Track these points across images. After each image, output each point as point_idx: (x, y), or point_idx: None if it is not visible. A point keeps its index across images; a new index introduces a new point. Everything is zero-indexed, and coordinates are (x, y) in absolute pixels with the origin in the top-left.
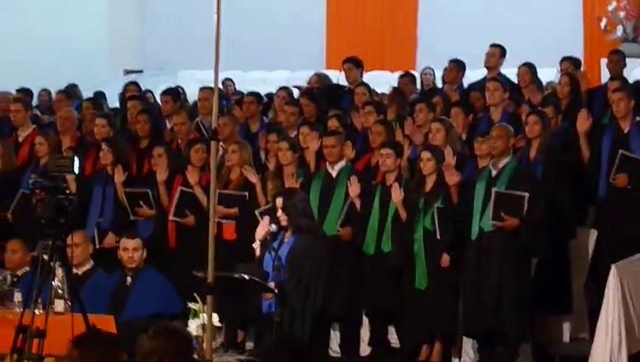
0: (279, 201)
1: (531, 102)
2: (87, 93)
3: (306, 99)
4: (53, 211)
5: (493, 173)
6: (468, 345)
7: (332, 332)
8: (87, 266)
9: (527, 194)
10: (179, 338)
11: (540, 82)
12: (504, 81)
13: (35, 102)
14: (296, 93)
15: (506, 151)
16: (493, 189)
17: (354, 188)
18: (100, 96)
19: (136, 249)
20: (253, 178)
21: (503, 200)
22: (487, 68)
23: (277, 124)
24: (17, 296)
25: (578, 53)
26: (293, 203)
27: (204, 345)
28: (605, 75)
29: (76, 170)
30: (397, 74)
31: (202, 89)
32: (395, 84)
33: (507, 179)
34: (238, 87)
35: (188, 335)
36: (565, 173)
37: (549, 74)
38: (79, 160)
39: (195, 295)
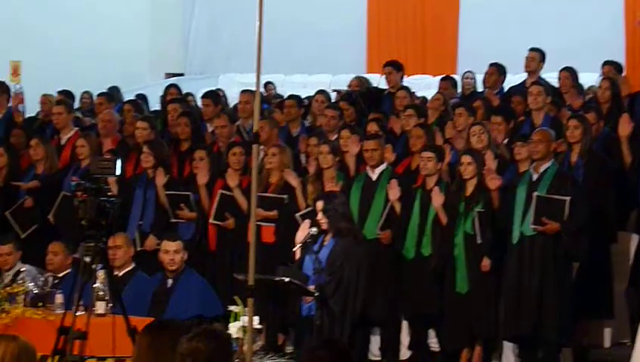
0: (320, 204)
1: (572, 107)
2: (128, 95)
3: (346, 103)
4: (94, 213)
5: (535, 177)
6: (508, 349)
7: (372, 336)
8: (129, 268)
9: (568, 199)
10: (217, 341)
11: (581, 86)
12: (546, 85)
13: (76, 105)
14: (333, 96)
15: (548, 156)
16: (534, 193)
17: (394, 191)
18: (141, 99)
19: (177, 251)
20: (294, 181)
21: (544, 205)
22: (528, 72)
23: (317, 127)
24: (59, 298)
25: (620, 57)
26: (333, 206)
27: (245, 347)
28: None
29: (118, 172)
30: (438, 78)
31: (243, 92)
32: (436, 88)
33: (548, 183)
34: (278, 91)
35: (227, 338)
36: (607, 177)
37: (589, 78)
38: (120, 162)
39: (236, 298)
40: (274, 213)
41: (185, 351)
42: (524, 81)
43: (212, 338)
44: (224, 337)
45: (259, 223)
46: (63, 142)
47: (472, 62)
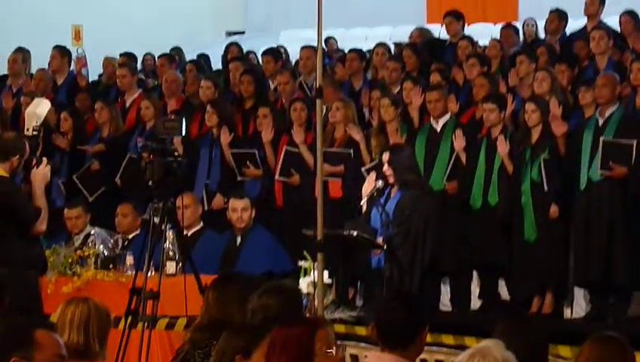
0: (386, 157)
1: (635, 50)
2: (190, 56)
3: (409, 51)
4: (162, 173)
5: (600, 121)
6: (579, 296)
7: (442, 286)
8: (197, 227)
9: (635, 142)
10: (287, 296)
11: None
12: (607, 29)
13: (139, 66)
14: (393, 49)
15: (613, 100)
16: (601, 138)
17: (459, 141)
18: (203, 59)
19: (245, 209)
20: (357, 135)
21: (610, 149)
22: (587, 16)
23: (379, 80)
24: (129, 260)
25: None
26: (399, 158)
27: (315, 302)
28: None
29: (183, 131)
30: (499, 26)
31: (304, 48)
32: (497, 36)
33: (614, 127)
34: (340, 45)
35: (297, 293)
36: None
37: None
38: (185, 122)
39: (305, 253)
40: (340, 167)
41: (255, 307)
42: (585, 26)
43: (282, 293)
44: (294, 292)
45: (326, 178)
46: (127, 104)
47: (532, 9)
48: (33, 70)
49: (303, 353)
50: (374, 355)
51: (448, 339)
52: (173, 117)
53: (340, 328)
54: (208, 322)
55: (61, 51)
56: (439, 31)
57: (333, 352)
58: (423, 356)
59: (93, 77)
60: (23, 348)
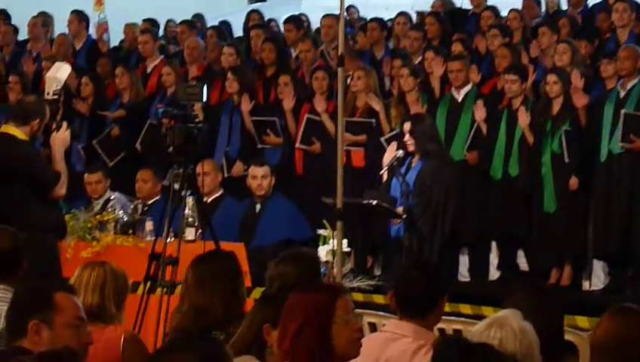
0: (407, 126)
1: None
2: (211, 23)
3: (432, 19)
4: (182, 139)
5: (622, 94)
6: (598, 268)
7: (461, 256)
8: (217, 194)
9: None
10: (304, 263)
11: None
12: (631, 1)
13: (160, 33)
14: (414, 17)
15: (635, 73)
16: (622, 111)
17: (480, 112)
18: (224, 26)
19: (264, 176)
20: (377, 105)
21: (632, 122)
22: None
23: (400, 49)
24: (149, 225)
25: None
26: (421, 128)
27: (334, 270)
28: None
29: (204, 98)
30: None
31: (325, 16)
32: (520, 7)
33: (636, 100)
34: (361, 14)
35: (315, 260)
36: None
37: None
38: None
39: (325, 221)
40: (362, 137)
41: (273, 275)
42: None
43: (299, 261)
44: (312, 259)
45: (347, 148)
46: (148, 70)
47: None
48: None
49: (323, 320)
50: (393, 323)
51: (466, 309)
52: (194, 83)
53: (358, 296)
54: (188, 308)
55: (79, 16)
56: (461, 1)
57: (353, 321)
58: (440, 325)
59: (114, 43)
60: (42, 311)
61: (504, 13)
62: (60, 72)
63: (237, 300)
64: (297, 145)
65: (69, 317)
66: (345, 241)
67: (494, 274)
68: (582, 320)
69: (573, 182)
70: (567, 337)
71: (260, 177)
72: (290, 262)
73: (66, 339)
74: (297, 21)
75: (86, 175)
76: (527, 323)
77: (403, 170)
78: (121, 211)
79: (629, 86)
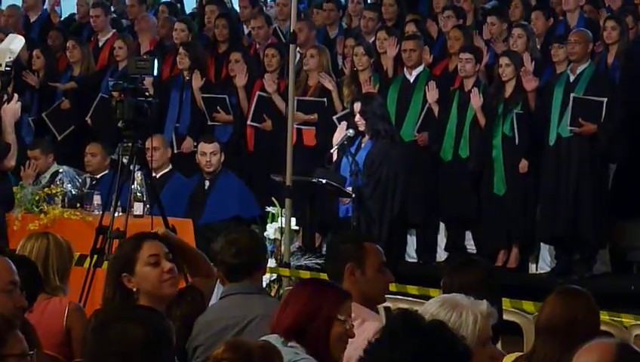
0: (357, 106)
1: (610, 8)
2: None
3: (391, 0)
4: (132, 113)
5: (572, 78)
6: (545, 251)
7: (409, 237)
8: (166, 170)
9: (605, 100)
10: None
11: None
12: None
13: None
14: None
15: (585, 57)
16: (572, 95)
17: (432, 93)
18: (176, 1)
19: (214, 153)
20: (329, 84)
21: (581, 106)
22: None
23: (354, 29)
24: (97, 199)
25: None
26: (371, 108)
27: (282, 248)
28: None
29: (155, 72)
30: None
31: None
32: None
33: (585, 84)
34: None
35: (258, 235)
36: None
37: None
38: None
39: (274, 199)
40: (314, 116)
41: (224, 244)
42: None
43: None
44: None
45: (299, 126)
46: (100, 44)
47: None
48: (4, 6)
49: (324, 317)
50: None
51: (413, 290)
52: (145, 57)
53: (305, 274)
54: None
55: None
56: None
57: (352, 325)
58: (386, 304)
59: (66, 15)
60: None
61: None
62: (13, 44)
63: None
64: (248, 122)
65: (2, 283)
66: (293, 219)
67: (442, 255)
68: (528, 305)
69: (523, 165)
70: (511, 318)
71: (209, 153)
72: (239, 230)
73: None
74: None
75: (28, 150)
76: (478, 301)
77: (353, 149)
78: (70, 184)
79: (578, 70)
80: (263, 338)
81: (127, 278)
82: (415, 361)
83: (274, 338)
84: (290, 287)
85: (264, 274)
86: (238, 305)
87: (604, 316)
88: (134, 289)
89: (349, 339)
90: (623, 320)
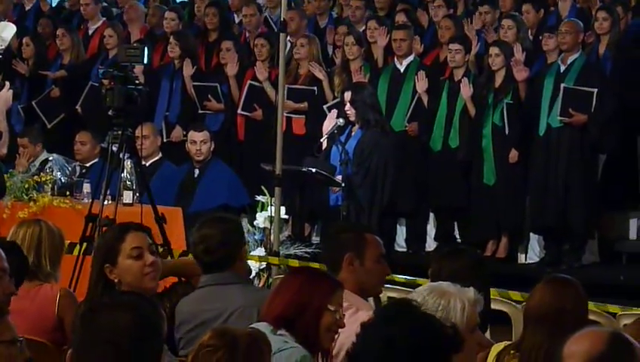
0: (347, 95)
1: None
2: None
3: None
4: (122, 101)
5: (562, 68)
6: (534, 241)
7: (398, 227)
8: (156, 158)
9: (595, 90)
10: (228, 226)
11: None
12: None
13: None
14: None
15: (576, 47)
16: (562, 85)
17: (421, 83)
18: None
19: (204, 141)
20: (320, 74)
21: (571, 96)
22: None
23: (344, 18)
24: (86, 187)
25: None
26: (361, 97)
27: (272, 237)
28: None
29: (146, 60)
30: None
31: None
32: None
33: (576, 74)
34: None
35: (238, 224)
36: (635, 69)
37: None
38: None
39: (263, 188)
40: (304, 104)
41: (196, 239)
42: None
43: (221, 223)
44: (234, 222)
45: (289, 115)
46: (90, 32)
47: None
48: None
49: (315, 307)
50: None
51: (401, 280)
52: (136, 45)
53: (294, 263)
54: None
55: None
56: None
57: (342, 315)
58: None
59: (57, 3)
60: None
61: None
62: (4, 32)
63: None
64: (239, 111)
65: None
66: (283, 208)
67: (431, 244)
68: (515, 295)
69: (513, 155)
70: (500, 307)
71: (199, 142)
72: (212, 224)
73: None
74: None
75: (18, 138)
76: (467, 288)
77: (343, 138)
78: (59, 172)
79: (569, 60)
80: (252, 325)
81: (109, 269)
82: (411, 338)
83: (263, 326)
84: (281, 276)
85: (244, 262)
86: (217, 297)
87: (590, 306)
88: (116, 281)
89: (342, 328)
90: (609, 308)
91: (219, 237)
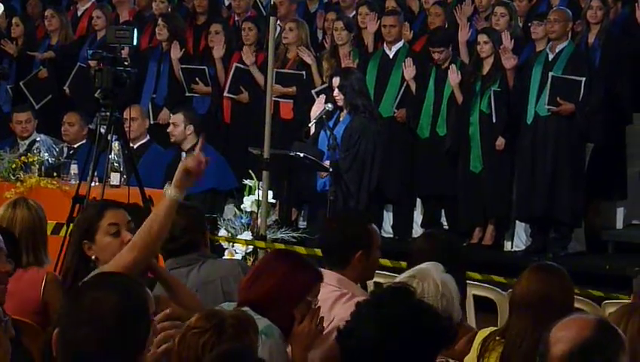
0: (336, 80)
1: None
2: None
3: None
4: (111, 82)
5: (550, 57)
6: (521, 229)
7: (385, 213)
8: (143, 140)
9: (583, 79)
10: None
11: None
12: None
13: None
14: None
15: (564, 36)
16: (550, 73)
17: (409, 70)
18: None
19: (175, 125)
20: (308, 58)
21: (559, 85)
22: None
23: (334, 3)
24: (73, 168)
25: None
26: (350, 82)
27: (259, 221)
28: None
29: (135, 41)
30: None
31: None
32: None
33: (564, 63)
34: None
35: (201, 212)
36: (623, 59)
37: None
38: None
39: (251, 171)
40: (292, 89)
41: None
42: None
43: (185, 210)
44: (196, 210)
45: (276, 99)
46: (79, 13)
47: None
48: None
49: (294, 298)
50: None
51: (386, 263)
52: (125, 27)
53: (281, 247)
54: None
55: None
56: None
57: (317, 306)
58: None
59: None
60: None
61: None
62: None
63: None
64: (225, 93)
65: None
66: (270, 192)
67: (418, 231)
68: (500, 279)
69: (500, 142)
70: (485, 294)
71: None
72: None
73: None
74: None
75: (15, 114)
76: (448, 275)
77: (331, 123)
78: (47, 153)
79: (558, 49)
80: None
81: (87, 245)
82: (403, 319)
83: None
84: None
85: (207, 248)
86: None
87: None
88: (93, 257)
89: (337, 314)
90: (592, 293)
91: (182, 224)
